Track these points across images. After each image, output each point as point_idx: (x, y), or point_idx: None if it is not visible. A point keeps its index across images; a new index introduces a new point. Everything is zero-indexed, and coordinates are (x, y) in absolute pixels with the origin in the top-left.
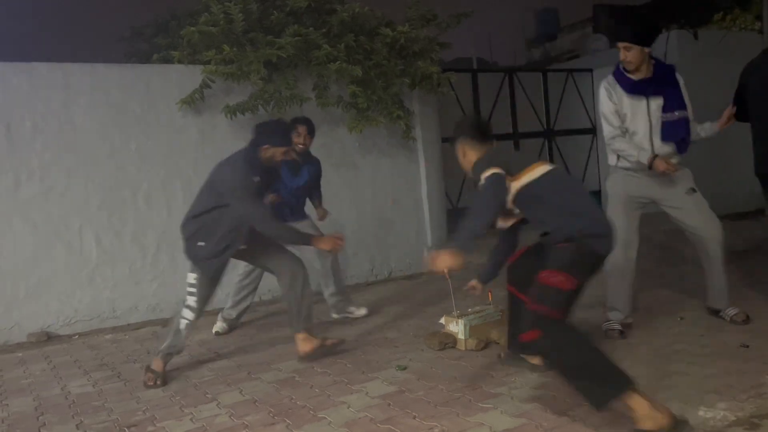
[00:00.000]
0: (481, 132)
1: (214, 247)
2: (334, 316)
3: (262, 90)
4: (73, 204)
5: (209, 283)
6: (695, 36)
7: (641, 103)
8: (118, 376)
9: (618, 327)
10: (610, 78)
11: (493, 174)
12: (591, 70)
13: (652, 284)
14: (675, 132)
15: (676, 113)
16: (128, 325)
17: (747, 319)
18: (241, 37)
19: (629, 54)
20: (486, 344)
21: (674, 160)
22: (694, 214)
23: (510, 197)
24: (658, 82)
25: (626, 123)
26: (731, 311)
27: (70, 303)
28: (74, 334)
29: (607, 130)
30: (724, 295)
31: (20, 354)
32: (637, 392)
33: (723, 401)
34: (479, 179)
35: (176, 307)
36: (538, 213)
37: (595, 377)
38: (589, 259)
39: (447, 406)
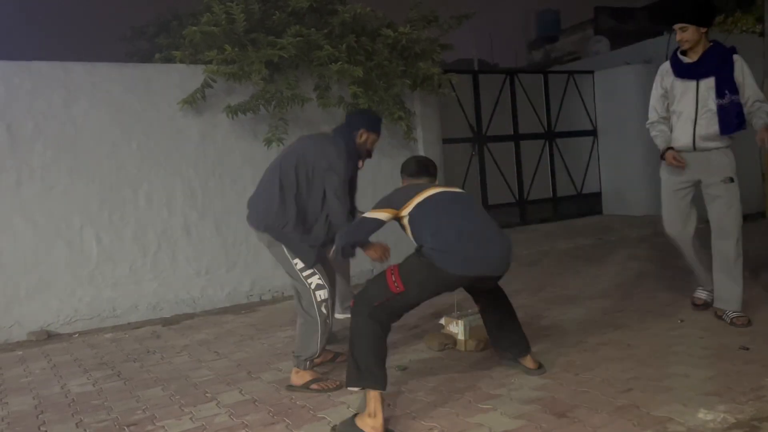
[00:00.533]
0: (411, 169)
1: (311, 233)
2: (338, 316)
3: (263, 90)
4: (74, 203)
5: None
6: None
7: (691, 84)
8: (118, 375)
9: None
10: (666, 63)
11: (370, 215)
12: (592, 72)
13: (652, 286)
14: (726, 116)
15: (727, 98)
16: (128, 324)
17: (748, 323)
18: (243, 38)
19: (685, 34)
20: (486, 345)
21: (716, 144)
22: (722, 208)
23: (405, 222)
24: (709, 65)
25: (674, 105)
26: (732, 314)
27: (71, 302)
28: (74, 333)
29: (649, 116)
30: (734, 297)
31: (20, 352)
32: (381, 398)
33: (723, 403)
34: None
35: (176, 307)
36: (414, 231)
37: (361, 362)
38: (428, 271)
39: (446, 406)
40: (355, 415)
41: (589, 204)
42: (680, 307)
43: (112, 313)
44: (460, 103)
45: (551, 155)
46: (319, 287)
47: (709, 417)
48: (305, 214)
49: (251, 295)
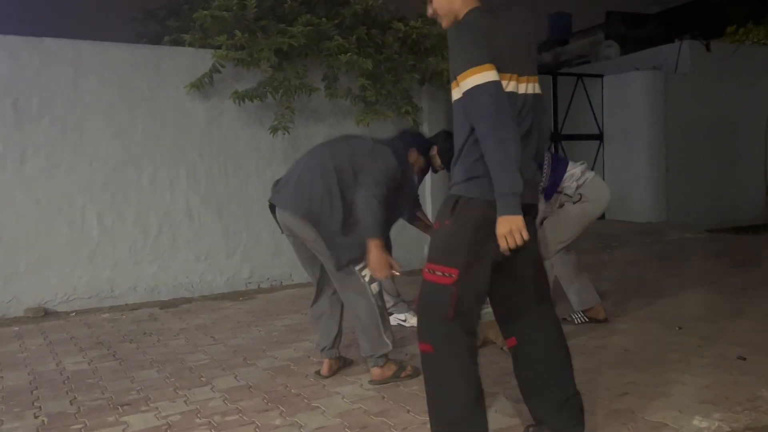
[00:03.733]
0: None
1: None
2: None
3: (271, 77)
4: (78, 182)
5: None
6: (707, 47)
7: None
8: (114, 355)
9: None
10: None
11: None
12: (601, 76)
13: (652, 292)
14: None
15: None
16: (126, 305)
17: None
18: (253, 24)
19: None
20: (483, 343)
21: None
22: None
23: None
24: None
25: None
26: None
27: (69, 280)
28: (72, 311)
29: None
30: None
31: (17, 328)
32: None
33: (718, 412)
34: None
35: (174, 290)
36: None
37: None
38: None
39: None
40: None
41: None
42: (678, 314)
43: (110, 293)
44: None
45: None
46: (372, 280)
47: (704, 424)
48: (350, 211)
49: (250, 283)
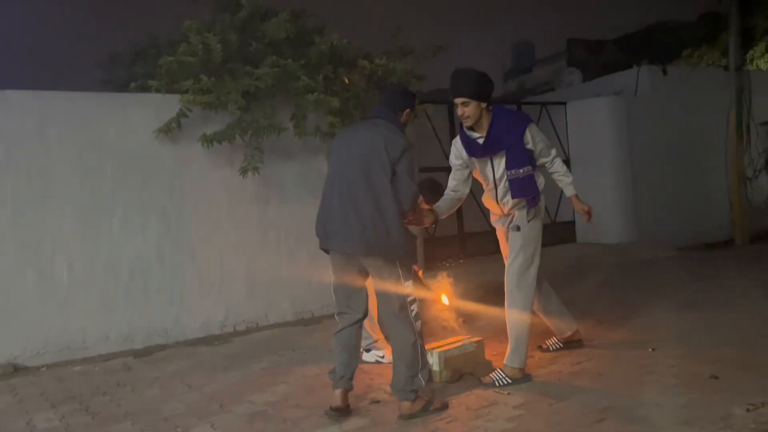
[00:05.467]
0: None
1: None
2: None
3: (239, 119)
4: (46, 230)
5: None
6: (664, 72)
7: (486, 161)
8: (87, 410)
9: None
10: (458, 138)
11: None
12: (564, 104)
13: (624, 314)
14: (523, 189)
15: (521, 170)
16: (99, 355)
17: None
18: (220, 67)
19: (467, 109)
20: (460, 376)
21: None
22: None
23: None
24: (495, 141)
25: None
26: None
27: (39, 332)
28: (42, 366)
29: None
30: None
31: None
32: None
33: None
34: None
35: (148, 337)
36: None
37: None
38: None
39: None
40: None
41: (563, 232)
42: (652, 335)
43: (82, 344)
44: (435, 132)
45: None
46: (413, 302)
47: None
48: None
49: (225, 326)
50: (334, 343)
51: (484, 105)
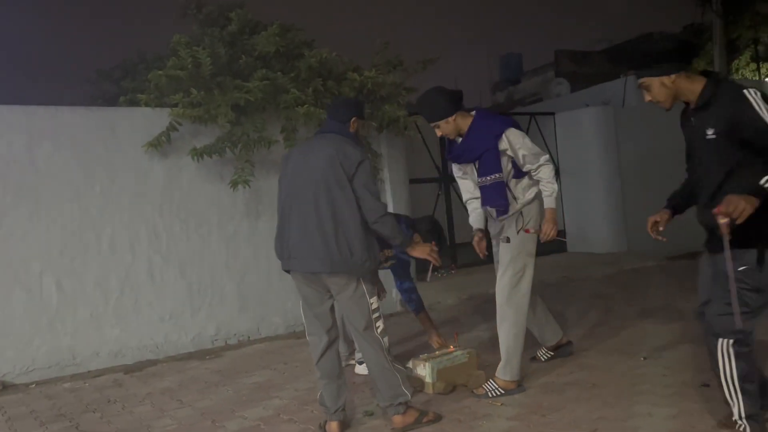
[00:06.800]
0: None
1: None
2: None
3: (229, 133)
4: (34, 248)
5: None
6: None
7: (471, 166)
8: (76, 428)
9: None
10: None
11: None
12: (553, 114)
13: (616, 323)
14: (490, 197)
15: (489, 178)
16: (88, 372)
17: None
18: (209, 81)
19: (441, 130)
20: (453, 388)
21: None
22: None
23: None
24: (467, 149)
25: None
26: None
27: (28, 350)
28: (31, 383)
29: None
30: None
31: None
32: None
33: None
34: None
35: (139, 353)
36: None
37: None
38: None
39: None
40: None
41: (553, 242)
42: (643, 344)
43: (72, 361)
44: (425, 144)
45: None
46: (378, 318)
47: None
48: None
49: (216, 340)
50: (318, 375)
51: (453, 117)
